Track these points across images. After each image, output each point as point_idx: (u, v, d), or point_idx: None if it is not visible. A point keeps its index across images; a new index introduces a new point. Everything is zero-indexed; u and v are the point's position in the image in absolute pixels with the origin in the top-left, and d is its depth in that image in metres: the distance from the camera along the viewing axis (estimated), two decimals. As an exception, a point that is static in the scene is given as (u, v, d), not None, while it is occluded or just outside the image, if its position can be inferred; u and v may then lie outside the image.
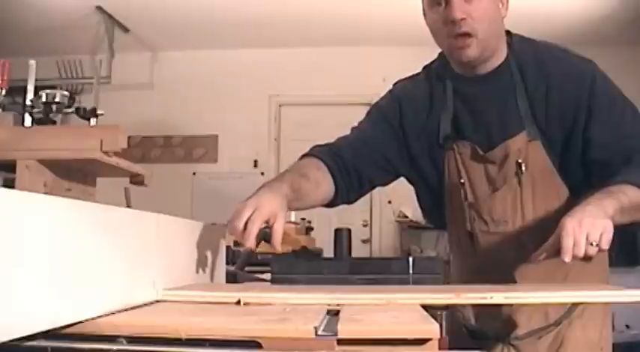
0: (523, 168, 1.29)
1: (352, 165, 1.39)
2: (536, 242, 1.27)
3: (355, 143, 1.42)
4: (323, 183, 1.34)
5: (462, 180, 1.36)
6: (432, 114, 1.40)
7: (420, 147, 1.41)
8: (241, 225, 1.06)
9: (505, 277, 1.28)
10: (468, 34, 1.25)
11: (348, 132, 1.48)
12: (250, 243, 1.06)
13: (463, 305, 1.45)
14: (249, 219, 1.07)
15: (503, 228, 1.33)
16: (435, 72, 1.41)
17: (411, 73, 1.50)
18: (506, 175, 1.31)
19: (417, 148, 1.41)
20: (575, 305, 1.27)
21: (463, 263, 1.45)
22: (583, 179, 1.30)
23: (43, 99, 2.27)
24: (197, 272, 1.12)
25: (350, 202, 1.45)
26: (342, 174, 1.38)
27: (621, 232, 1.28)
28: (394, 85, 1.50)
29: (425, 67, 1.46)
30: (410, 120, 1.41)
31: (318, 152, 1.39)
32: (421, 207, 1.52)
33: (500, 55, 1.33)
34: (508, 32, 1.36)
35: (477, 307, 1.39)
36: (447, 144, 1.37)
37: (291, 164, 1.39)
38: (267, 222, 1.09)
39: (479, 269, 1.38)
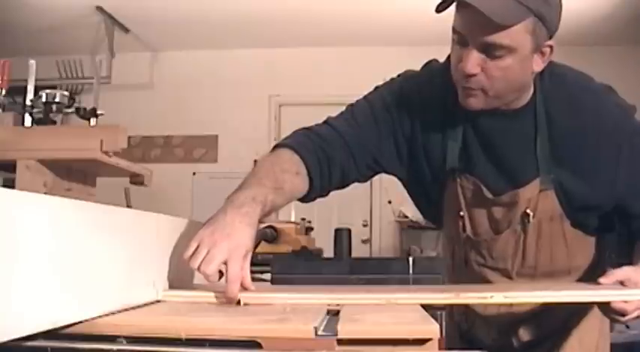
0: (531, 217, 1.21)
1: (339, 165, 1.25)
2: (534, 278, 1.26)
3: (349, 141, 1.26)
4: (296, 190, 1.20)
5: (462, 214, 1.27)
6: (442, 128, 1.26)
7: (424, 153, 1.28)
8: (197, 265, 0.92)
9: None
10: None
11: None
12: (214, 277, 0.91)
13: (459, 311, 1.45)
14: (205, 259, 0.92)
15: (502, 264, 1.27)
16: (448, 84, 1.19)
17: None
18: (511, 221, 1.23)
19: (420, 152, 1.28)
20: (575, 305, 1.27)
21: (454, 274, 1.40)
22: (597, 223, 1.26)
23: (43, 99, 2.28)
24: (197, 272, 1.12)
25: (322, 197, 1.29)
26: (323, 176, 1.23)
27: (621, 233, 1.29)
28: (403, 75, 1.33)
29: (442, 64, 1.26)
30: (419, 123, 1.27)
31: (302, 147, 1.22)
32: (417, 206, 1.43)
33: (525, 96, 1.19)
34: None
35: (472, 315, 1.39)
36: (451, 175, 1.26)
37: (270, 155, 1.24)
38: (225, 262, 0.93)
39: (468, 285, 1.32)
